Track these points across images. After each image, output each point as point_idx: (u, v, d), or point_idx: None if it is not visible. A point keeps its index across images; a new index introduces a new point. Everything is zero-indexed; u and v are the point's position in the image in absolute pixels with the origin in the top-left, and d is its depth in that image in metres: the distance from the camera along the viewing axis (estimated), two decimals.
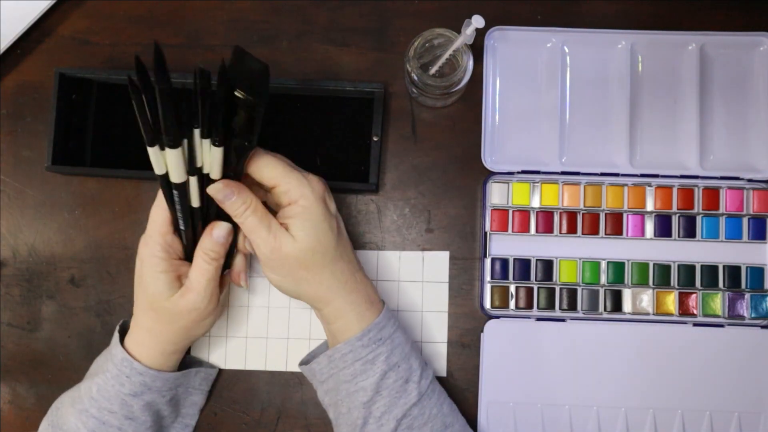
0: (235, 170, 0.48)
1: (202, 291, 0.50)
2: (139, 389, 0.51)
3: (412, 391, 0.50)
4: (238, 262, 0.54)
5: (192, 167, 0.47)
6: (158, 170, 0.47)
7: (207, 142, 0.46)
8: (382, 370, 0.50)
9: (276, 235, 0.49)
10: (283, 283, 0.51)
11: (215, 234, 0.50)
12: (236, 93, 0.45)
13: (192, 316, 0.51)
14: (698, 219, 0.60)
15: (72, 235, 0.62)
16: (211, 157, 0.47)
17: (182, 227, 0.51)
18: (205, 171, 0.48)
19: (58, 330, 0.62)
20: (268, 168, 0.49)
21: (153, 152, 0.46)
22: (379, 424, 0.49)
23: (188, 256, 0.52)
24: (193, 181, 0.48)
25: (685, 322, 0.60)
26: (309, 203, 0.49)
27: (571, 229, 0.60)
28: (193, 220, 0.50)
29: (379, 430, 0.50)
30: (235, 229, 0.52)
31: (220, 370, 0.60)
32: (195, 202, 0.49)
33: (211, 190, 0.48)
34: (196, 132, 0.46)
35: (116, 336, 0.54)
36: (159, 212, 0.50)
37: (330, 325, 0.52)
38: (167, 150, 0.45)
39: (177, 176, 0.47)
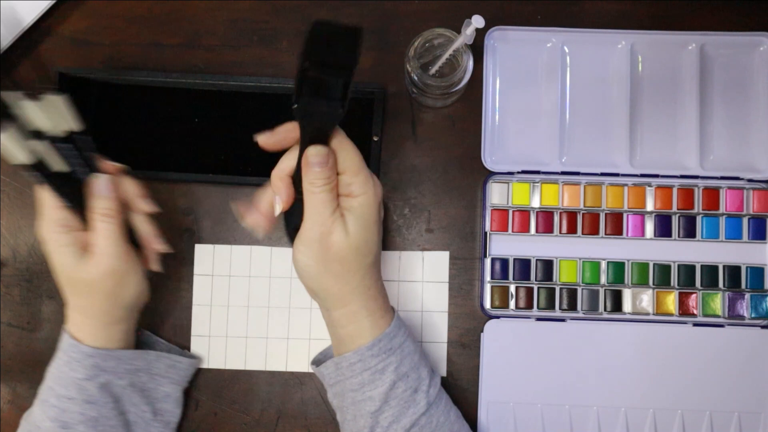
0: (318, 138, 0.46)
1: (110, 250, 0.49)
2: (92, 372, 0.51)
3: (421, 400, 0.49)
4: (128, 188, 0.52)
5: (31, 133, 0.45)
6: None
7: (32, 103, 0.44)
8: (392, 380, 0.48)
9: (335, 220, 0.47)
10: (311, 270, 0.48)
11: (97, 189, 0.49)
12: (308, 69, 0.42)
13: (110, 280, 0.50)
14: (698, 219, 0.60)
15: None
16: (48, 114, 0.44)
17: (67, 204, 0.49)
18: (51, 133, 0.45)
19: (58, 330, 0.61)
20: (349, 153, 0.47)
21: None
22: None
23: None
24: (41, 146, 0.45)
25: (685, 322, 0.60)
26: (369, 202, 0.47)
27: (571, 229, 0.60)
28: (72, 190, 0.48)
29: None
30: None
31: (220, 370, 0.60)
32: (61, 166, 0.47)
33: (312, 150, 0.45)
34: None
35: (65, 324, 0.53)
36: (44, 191, 0.49)
37: (339, 329, 0.50)
38: None
39: (23, 157, 0.44)
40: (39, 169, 0.46)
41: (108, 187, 0.49)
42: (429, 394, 0.49)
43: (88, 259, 0.49)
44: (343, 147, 0.47)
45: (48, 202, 0.49)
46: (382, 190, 0.50)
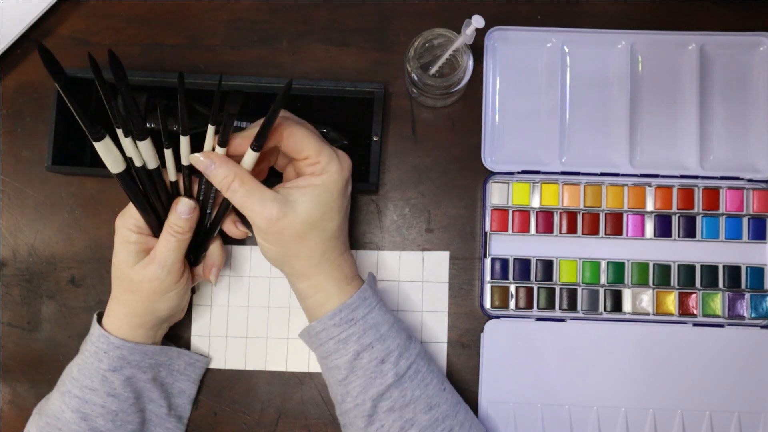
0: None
1: (164, 261, 0.51)
2: (117, 363, 0.52)
3: (388, 371, 0.50)
4: (213, 254, 0.55)
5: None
6: (120, 166, 0.50)
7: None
8: (355, 350, 0.50)
9: (271, 206, 0.48)
10: (271, 252, 0.51)
11: (178, 209, 0.51)
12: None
13: (152, 286, 0.52)
14: (698, 219, 0.60)
15: (72, 235, 0.62)
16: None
17: (146, 211, 0.52)
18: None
19: (58, 330, 0.62)
20: (305, 138, 0.49)
21: (134, 146, 0.49)
22: (356, 403, 0.50)
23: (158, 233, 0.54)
24: (169, 154, 0.51)
25: (685, 322, 0.60)
26: (331, 180, 0.49)
27: (571, 229, 0.60)
28: (161, 201, 0.52)
29: (356, 409, 0.50)
30: (213, 216, 0.54)
31: (220, 370, 0.60)
32: (172, 176, 0.52)
33: (193, 158, 0.49)
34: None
35: (94, 317, 0.54)
36: None
37: (305, 300, 0.53)
38: (143, 142, 0.49)
39: (153, 162, 0.50)
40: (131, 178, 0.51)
41: (187, 212, 0.51)
42: (398, 366, 0.50)
43: (142, 261, 0.52)
44: (299, 135, 0.49)
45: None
46: (350, 163, 0.52)
